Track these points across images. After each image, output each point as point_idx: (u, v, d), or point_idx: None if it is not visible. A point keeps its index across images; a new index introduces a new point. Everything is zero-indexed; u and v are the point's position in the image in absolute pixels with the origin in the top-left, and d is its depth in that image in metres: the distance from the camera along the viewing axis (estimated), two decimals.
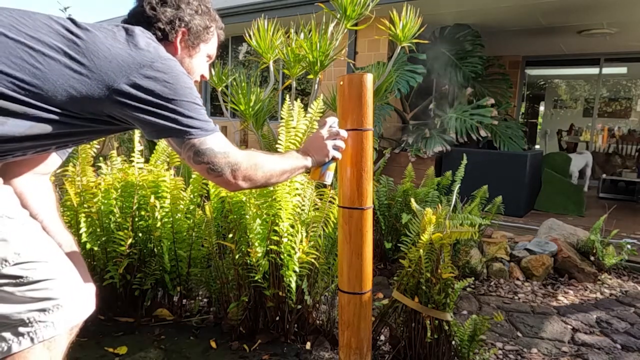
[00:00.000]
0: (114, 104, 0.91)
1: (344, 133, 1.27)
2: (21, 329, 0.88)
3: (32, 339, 0.88)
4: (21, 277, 0.87)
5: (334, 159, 1.27)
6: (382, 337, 1.82)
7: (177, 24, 1.07)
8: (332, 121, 1.29)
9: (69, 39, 0.88)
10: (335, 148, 1.25)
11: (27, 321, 0.88)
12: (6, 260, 0.85)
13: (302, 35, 2.74)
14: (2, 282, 0.86)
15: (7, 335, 0.87)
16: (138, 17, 1.06)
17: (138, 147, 1.94)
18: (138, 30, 0.98)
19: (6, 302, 0.87)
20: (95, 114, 0.93)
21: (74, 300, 0.95)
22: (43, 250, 0.93)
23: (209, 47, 1.18)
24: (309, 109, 1.79)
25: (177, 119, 0.95)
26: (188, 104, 0.96)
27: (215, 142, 1.00)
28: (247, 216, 1.68)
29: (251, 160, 1.05)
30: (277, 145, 1.66)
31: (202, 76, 1.20)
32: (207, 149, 0.99)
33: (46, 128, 0.89)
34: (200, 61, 1.17)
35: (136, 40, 0.94)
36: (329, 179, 1.28)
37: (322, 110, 1.74)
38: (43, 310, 0.90)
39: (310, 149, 1.23)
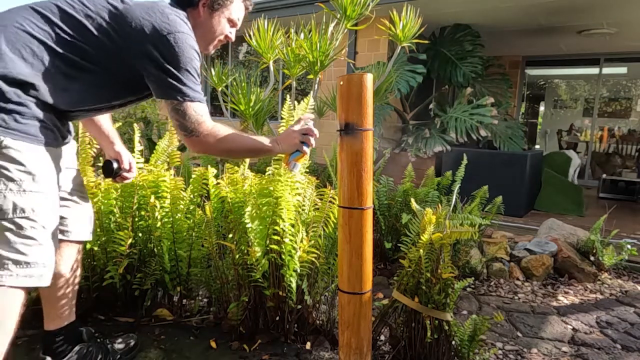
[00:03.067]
0: (139, 59, 1.21)
1: (316, 131, 1.42)
2: None
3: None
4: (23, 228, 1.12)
5: (302, 151, 1.40)
6: (382, 337, 1.82)
7: None
8: (307, 118, 1.45)
9: (113, 13, 1.21)
10: (304, 142, 1.39)
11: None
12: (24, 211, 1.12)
13: (302, 35, 2.74)
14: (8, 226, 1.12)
15: None
16: None
17: (138, 147, 1.94)
18: (169, 8, 1.26)
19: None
20: (130, 68, 1.22)
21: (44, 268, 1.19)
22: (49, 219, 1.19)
23: (230, 13, 1.41)
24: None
25: (172, 82, 1.21)
26: (185, 72, 1.22)
27: (194, 108, 1.25)
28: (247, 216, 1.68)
29: (215, 130, 1.28)
30: None
31: (227, 36, 1.44)
32: (183, 110, 1.23)
33: (100, 88, 1.25)
34: (221, 23, 1.41)
35: (164, 15, 1.22)
36: (295, 169, 1.43)
37: (312, 107, 1.74)
38: (18, 262, 1.13)
39: (280, 137, 1.41)
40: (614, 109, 8.67)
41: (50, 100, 1.16)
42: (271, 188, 1.68)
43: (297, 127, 1.41)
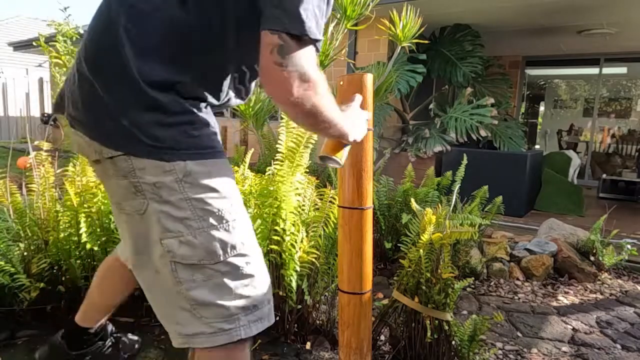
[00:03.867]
0: None
1: (370, 116, 1.18)
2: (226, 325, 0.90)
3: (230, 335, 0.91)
4: (240, 267, 0.90)
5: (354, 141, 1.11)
6: (382, 337, 1.82)
7: None
8: (360, 100, 1.14)
9: None
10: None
11: (232, 317, 0.90)
12: (234, 248, 0.90)
13: None
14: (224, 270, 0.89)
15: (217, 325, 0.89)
16: None
17: None
18: None
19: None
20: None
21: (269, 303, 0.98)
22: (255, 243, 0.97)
23: None
24: None
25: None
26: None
27: (303, 41, 0.82)
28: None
29: (316, 78, 0.83)
30: (277, 145, 1.66)
31: None
32: (286, 37, 0.80)
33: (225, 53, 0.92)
34: None
35: None
36: (343, 160, 1.11)
37: None
38: (246, 308, 0.91)
39: (352, 121, 1.04)
40: (614, 109, 8.66)
41: (203, 94, 0.91)
42: (271, 188, 1.68)
43: (358, 108, 1.11)
